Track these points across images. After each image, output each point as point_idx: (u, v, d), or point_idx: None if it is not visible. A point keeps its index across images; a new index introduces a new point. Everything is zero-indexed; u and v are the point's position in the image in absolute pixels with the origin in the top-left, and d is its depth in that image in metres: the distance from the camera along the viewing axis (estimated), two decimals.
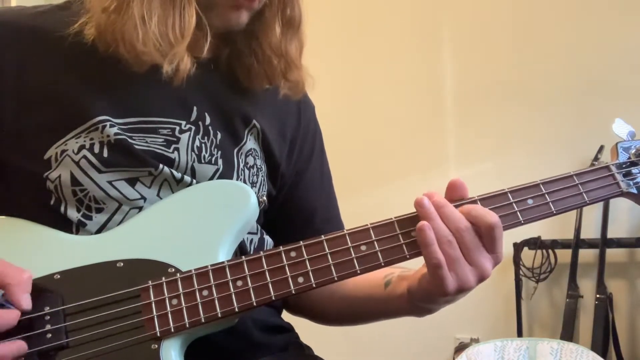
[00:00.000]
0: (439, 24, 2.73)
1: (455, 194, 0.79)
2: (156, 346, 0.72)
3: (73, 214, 0.79)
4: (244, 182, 0.89)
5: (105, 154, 0.79)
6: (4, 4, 2.74)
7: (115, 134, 0.79)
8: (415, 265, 0.82)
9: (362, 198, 2.63)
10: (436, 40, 2.73)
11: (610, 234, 2.35)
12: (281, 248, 0.77)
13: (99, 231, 0.80)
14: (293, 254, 0.77)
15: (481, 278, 0.75)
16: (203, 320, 0.73)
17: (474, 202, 0.79)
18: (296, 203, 1.00)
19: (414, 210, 0.78)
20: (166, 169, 0.82)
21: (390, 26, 2.80)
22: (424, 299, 0.80)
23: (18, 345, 0.69)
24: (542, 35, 2.57)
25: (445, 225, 0.75)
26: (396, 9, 2.79)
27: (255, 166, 0.91)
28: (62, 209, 0.79)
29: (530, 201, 0.80)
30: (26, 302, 0.70)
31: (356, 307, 0.95)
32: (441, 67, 2.72)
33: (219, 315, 0.74)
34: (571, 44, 2.52)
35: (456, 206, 0.78)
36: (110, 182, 0.80)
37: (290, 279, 0.76)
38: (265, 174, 0.93)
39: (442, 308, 0.83)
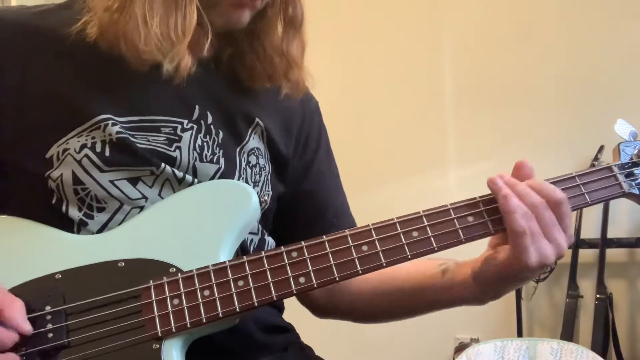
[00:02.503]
0: (439, 24, 2.73)
1: (522, 174, 0.79)
2: (157, 346, 0.72)
3: (74, 213, 0.79)
4: (246, 181, 0.88)
5: (107, 153, 0.79)
6: (4, 3, 2.73)
7: (117, 132, 0.79)
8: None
9: (362, 198, 2.63)
10: (436, 40, 2.73)
11: (610, 234, 2.35)
12: (282, 248, 0.77)
13: (100, 231, 0.80)
14: (294, 254, 0.77)
15: (558, 254, 0.76)
16: (204, 320, 0.73)
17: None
18: (307, 198, 0.99)
19: (414, 210, 0.78)
20: (168, 168, 0.82)
21: (391, 26, 2.80)
22: (495, 279, 0.79)
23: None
24: (542, 35, 2.57)
25: (521, 201, 0.75)
26: (397, 8, 2.79)
27: (258, 165, 0.91)
28: (64, 208, 0.79)
29: None
30: (27, 325, 0.70)
31: (402, 300, 0.92)
32: (441, 66, 2.72)
33: (220, 315, 0.73)
34: (571, 44, 2.52)
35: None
36: (112, 182, 0.80)
37: (291, 279, 0.75)
38: (269, 173, 0.93)
39: (507, 293, 0.82)
